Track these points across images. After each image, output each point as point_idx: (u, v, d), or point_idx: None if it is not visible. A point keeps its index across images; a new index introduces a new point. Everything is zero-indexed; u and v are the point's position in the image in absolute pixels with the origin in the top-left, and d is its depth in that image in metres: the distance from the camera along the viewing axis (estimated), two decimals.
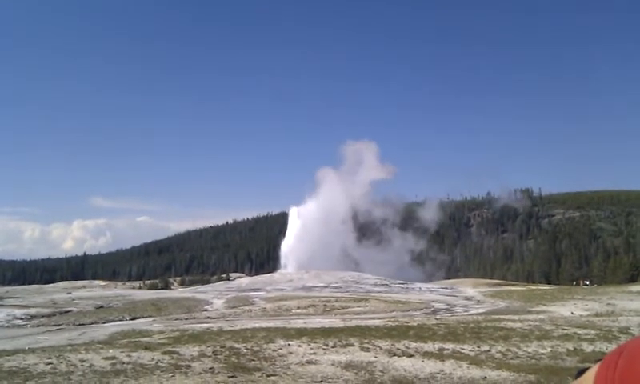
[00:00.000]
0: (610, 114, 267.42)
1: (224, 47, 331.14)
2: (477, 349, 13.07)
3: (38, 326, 21.46)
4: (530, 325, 17.39)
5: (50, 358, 10.27)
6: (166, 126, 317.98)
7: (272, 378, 9.39)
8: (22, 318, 23.56)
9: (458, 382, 9.52)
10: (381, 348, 12.69)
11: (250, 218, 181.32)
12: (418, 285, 52.51)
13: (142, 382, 8.72)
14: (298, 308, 27.41)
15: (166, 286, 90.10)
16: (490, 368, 10.60)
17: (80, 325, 21.69)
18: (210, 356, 11.25)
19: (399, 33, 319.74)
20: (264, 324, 18.46)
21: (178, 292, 51.66)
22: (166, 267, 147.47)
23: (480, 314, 25.08)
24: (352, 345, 12.97)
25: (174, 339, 13.82)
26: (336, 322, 19.74)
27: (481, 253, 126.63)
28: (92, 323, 22.42)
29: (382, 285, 48.31)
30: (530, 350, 13.03)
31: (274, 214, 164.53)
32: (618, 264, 72.30)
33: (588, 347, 13.51)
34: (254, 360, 11.01)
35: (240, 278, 78.54)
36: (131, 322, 22.93)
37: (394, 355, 11.83)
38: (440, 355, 12.03)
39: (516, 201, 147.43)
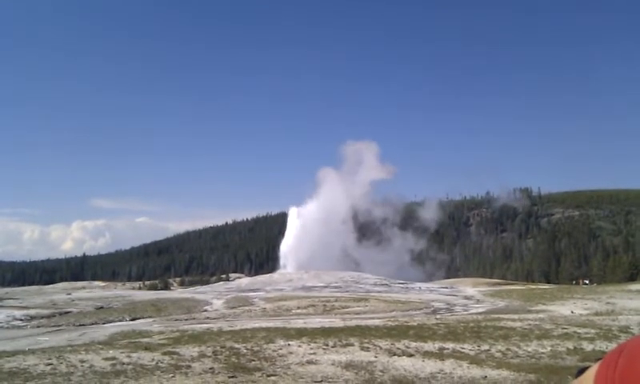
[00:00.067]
0: (609, 114, 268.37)
1: (224, 47, 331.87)
2: (477, 348, 13.07)
3: (38, 326, 21.44)
4: (529, 324, 17.39)
5: (50, 359, 10.27)
6: (166, 126, 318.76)
7: (272, 378, 9.40)
8: (21, 319, 23.54)
9: (458, 382, 9.52)
10: (381, 348, 12.69)
11: (249, 219, 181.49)
12: (418, 284, 52.50)
13: (142, 383, 8.72)
14: (298, 308, 27.41)
15: (166, 287, 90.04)
16: (491, 367, 10.61)
17: (80, 325, 21.67)
18: (210, 356, 11.24)
19: (399, 33, 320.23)
20: (264, 324, 18.45)
21: (177, 292, 51.63)
22: (166, 268, 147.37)
23: (480, 313, 25.07)
24: (352, 344, 12.97)
25: (174, 340, 13.81)
26: (336, 321, 19.73)
27: (480, 252, 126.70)
28: (92, 324, 22.41)
29: (382, 284, 48.29)
30: (530, 349, 13.04)
31: (273, 214, 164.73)
32: (618, 263, 72.34)
33: (588, 346, 13.52)
34: (254, 360, 11.01)
35: (239, 278, 78.54)
36: (131, 322, 22.92)
37: (394, 355, 11.83)
38: (440, 355, 12.03)
39: (515, 200, 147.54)
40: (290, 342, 13.15)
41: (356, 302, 30.25)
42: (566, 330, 15.89)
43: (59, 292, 44.78)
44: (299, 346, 12.70)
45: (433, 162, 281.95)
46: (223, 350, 12.02)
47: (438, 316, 23.26)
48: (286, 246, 76.94)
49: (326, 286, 45.15)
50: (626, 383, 0.79)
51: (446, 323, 18.07)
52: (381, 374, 9.98)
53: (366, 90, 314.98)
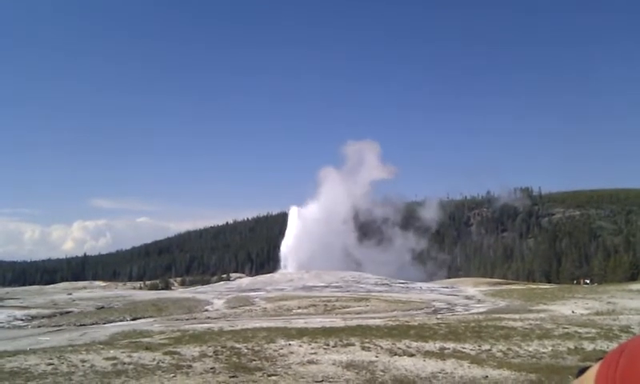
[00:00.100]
0: (609, 114, 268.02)
1: (224, 47, 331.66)
2: (478, 348, 13.07)
3: (39, 326, 21.46)
4: (530, 324, 17.38)
5: (51, 359, 10.28)
6: (166, 126, 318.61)
7: (273, 377, 9.40)
8: (22, 319, 23.56)
9: (459, 382, 9.52)
10: (382, 347, 12.69)
11: (250, 218, 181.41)
12: (419, 284, 52.51)
13: (143, 383, 8.73)
14: (299, 308, 27.41)
15: (167, 287, 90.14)
16: (491, 367, 10.60)
17: (81, 325, 21.69)
18: (211, 356, 11.25)
19: (399, 33, 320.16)
20: (265, 324, 18.45)
21: (178, 292, 51.66)
22: (167, 268, 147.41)
23: (481, 313, 25.06)
24: (353, 344, 12.97)
25: (175, 339, 13.81)
26: (337, 321, 19.73)
27: (481, 252, 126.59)
28: (93, 324, 22.43)
29: (383, 284, 48.29)
30: (530, 349, 13.03)
31: (274, 214, 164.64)
32: (618, 263, 72.34)
33: (589, 346, 13.52)
34: (254, 360, 11.01)
35: (240, 278, 78.56)
36: (132, 322, 22.94)
37: (395, 355, 11.83)
38: (441, 354, 12.03)
39: (516, 200, 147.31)
40: (290, 342, 13.15)
41: (357, 302, 30.25)
42: (566, 330, 15.88)
43: (60, 292, 44.84)
44: (300, 346, 12.70)
45: (433, 162, 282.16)
46: (224, 349, 12.03)
47: (438, 316, 23.26)
48: (287, 245, 76.96)
49: (326, 286, 45.15)
50: (626, 383, 0.79)
51: (446, 323, 18.07)
52: (382, 373, 9.98)
53: (366, 90, 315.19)
